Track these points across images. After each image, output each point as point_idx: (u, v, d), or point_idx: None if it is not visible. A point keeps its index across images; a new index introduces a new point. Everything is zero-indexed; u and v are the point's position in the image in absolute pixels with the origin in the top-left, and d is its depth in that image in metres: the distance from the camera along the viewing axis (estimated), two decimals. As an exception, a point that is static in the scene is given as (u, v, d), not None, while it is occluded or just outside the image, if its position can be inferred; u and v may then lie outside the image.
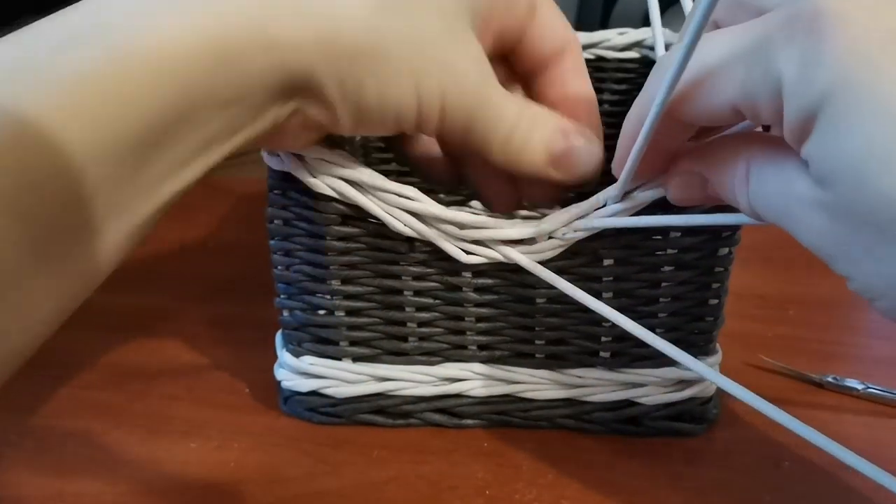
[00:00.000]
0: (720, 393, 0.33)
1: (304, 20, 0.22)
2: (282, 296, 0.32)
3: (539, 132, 0.27)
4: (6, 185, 0.18)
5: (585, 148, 0.27)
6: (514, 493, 0.30)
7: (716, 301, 0.30)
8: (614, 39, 0.42)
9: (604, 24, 0.50)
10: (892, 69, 0.18)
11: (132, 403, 0.35)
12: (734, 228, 0.29)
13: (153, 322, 0.40)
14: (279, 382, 0.33)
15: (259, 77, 0.22)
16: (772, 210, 0.21)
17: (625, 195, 0.27)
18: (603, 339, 0.30)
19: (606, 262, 0.29)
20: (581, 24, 0.50)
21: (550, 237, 0.28)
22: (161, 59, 0.20)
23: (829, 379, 0.35)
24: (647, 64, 0.42)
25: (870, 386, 0.34)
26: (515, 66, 0.30)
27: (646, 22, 0.40)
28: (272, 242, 0.31)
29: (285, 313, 0.32)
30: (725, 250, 0.29)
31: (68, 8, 0.21)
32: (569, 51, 0.29)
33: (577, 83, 0.29)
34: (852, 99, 0.18)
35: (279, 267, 0.31)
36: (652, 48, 0.41)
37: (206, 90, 0.21)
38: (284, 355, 0.32)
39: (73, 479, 0.30)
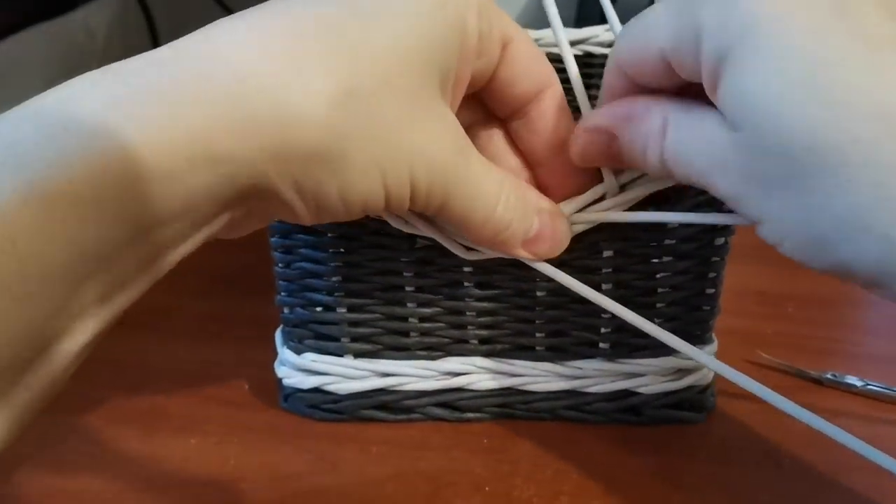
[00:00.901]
0: (718, 386, 0.33)
1: (251, 131, 0.20)
2: (282, 293, 0.32)
3: (518, 217, 0.26)
4: None
5: (559, 231, 0.27)
6: (513, 488, 0.30)
7: (712, 290, 0.30)
8: (602, 35, 0.43)
9: (604, 23, 0.50)
10: (798, 12, 0.19)
11: (131, 400, 0.35)
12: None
13: (152, 318, 0.40)
14: (280, 380, 0.33)
15: (206, 192, 0.20)
16: (687, 161, 0.22)
17: (622, 187, 0.28)
18: (602, 330, 0.31)
19: (606, 253, 0.29)
20: (581, 23, 0.50)
21: (550, 231, 0.28)
22: (94, 182, 0.17)
23: (829, 376, 0.35)
24: (588, 56, 0.43)
25: (869, 383, 0.34)
26: (490, 106, 0.28)
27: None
28: (273, 240, 0.31)
29: (286, 310, 0.32)
30: (722, 240, 0.30)
31: None
32: (547, 88, 0.27)
33: (558, 125, 0.27)
34: (759, 39, 0.19)
35: (280, 264, 0.31)
36: (599, 44, 0.41)
37: (146, 208, 0.19)
38: (285, 352, 0.33)
39: (73, 476, 0.30)
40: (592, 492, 0.29)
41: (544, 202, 0.27)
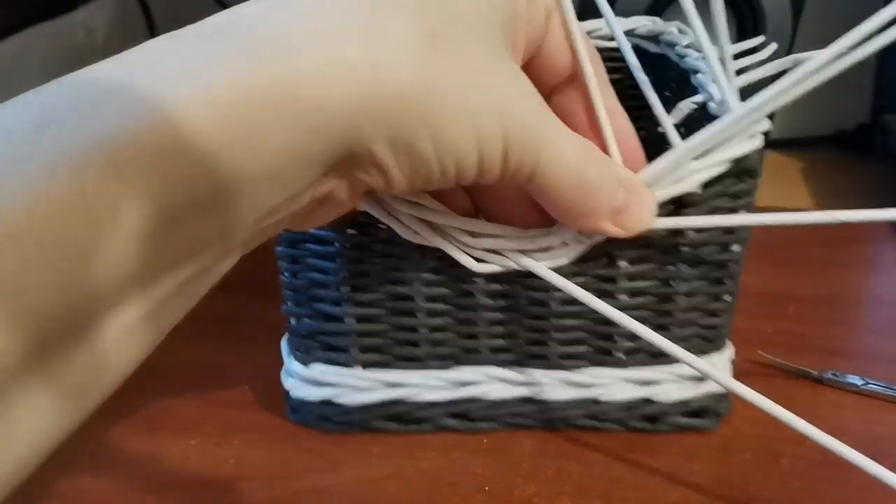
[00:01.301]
0: None
1: (339, 76, 0.18)
2: (289, 303, 0.31)
3: (606, 183, 0.24)
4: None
5: (646, 202, 0.26)
6: (514, 488, 0.29)
7: (728, 297, 0.30)
8: (605, 29, 0.41)
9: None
10: None
11: (132, 400, 0.34)
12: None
13: None
14: (287, 391, 0.33)
15: (292, 151, 0.18)
16: None
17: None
18: (617, 338, 0.30)
19: (621, 262, 0.28)
20: (584, 16, 0.49)
21: (565, 243, 0.28)
22: (158, 141, 0.16)
23: (829, 375, 0.35)
24: (638, 54, 0.42)
25: (870, 382, 0.34)
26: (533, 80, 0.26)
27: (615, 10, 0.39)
28: (279, 249, 0.30)
29: (293, 320, 0.31)
30: (736, 246, 0.29)
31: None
32: (592, 62, 0.27)
33: (608, 99, 0.27)
34: None
35: (286, 274, 0.30)
36: (606, 38, 0.40)
37: (223, 167, 0.17)
38: (292, 363, 0.32)
39: (73, 476, 0.30)
40: (593, 492, 0.29)
41: (626, 172, 0.26)
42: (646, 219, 0.26)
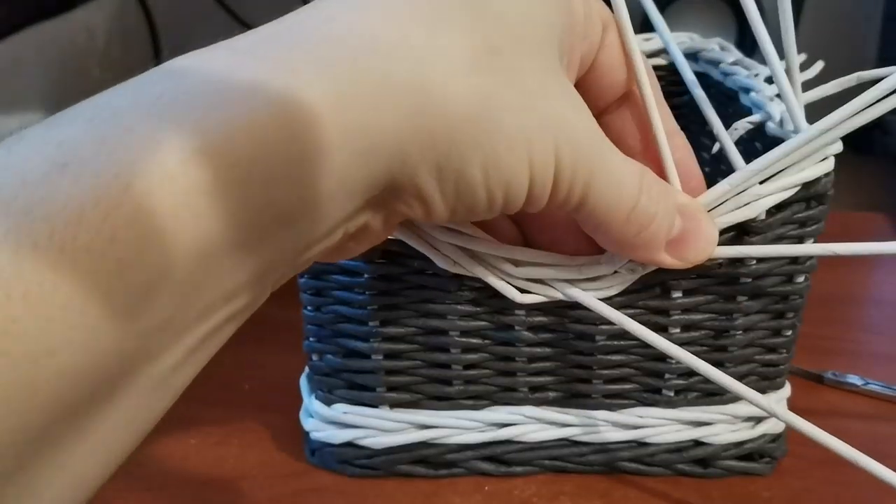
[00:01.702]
0: None
1: (388, 96, 0.17)
2: (311, 338, 0.29)
3: (662, 211, 0.22)
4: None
5: (705, 231, 0.24)
6: (513, 488, 0.29)
7: (790, 333, 0.28)
8: (642, 46, 0.40)
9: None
10: None
11: None
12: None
13: None
14: (307, 433, 0.30)
15: (344, 174, 0.17)
16: None
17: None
18: (667, 375, 0.28)
19: (675, 294, 0.26)
20: None
21: (615, 271, 0.25)
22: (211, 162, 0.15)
23: (829, 375, 0.35)
24: (675, 71, 0.40)
25: (870, 381, 0.34)
26: (586, 98, 0.23)
27: (645, 24, 0.37)
28: (301, 281, 0.27)
29: (315, 357, 0.29)
30: (801, 277, 0.27)
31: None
32: (648, 79, 0.25)
33: (665, 121, 0.25)
34: None
35: (309, 307, 0.28)
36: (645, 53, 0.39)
37: (266, 204, 0.16)
38: (314, 403, 0.29)
39: None
40: (593, 492, 0.29)
41: (684, 198, 0.24)
42: (706, 249, 0.24)
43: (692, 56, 0.37)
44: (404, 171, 0.18)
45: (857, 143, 0.58)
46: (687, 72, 0.31)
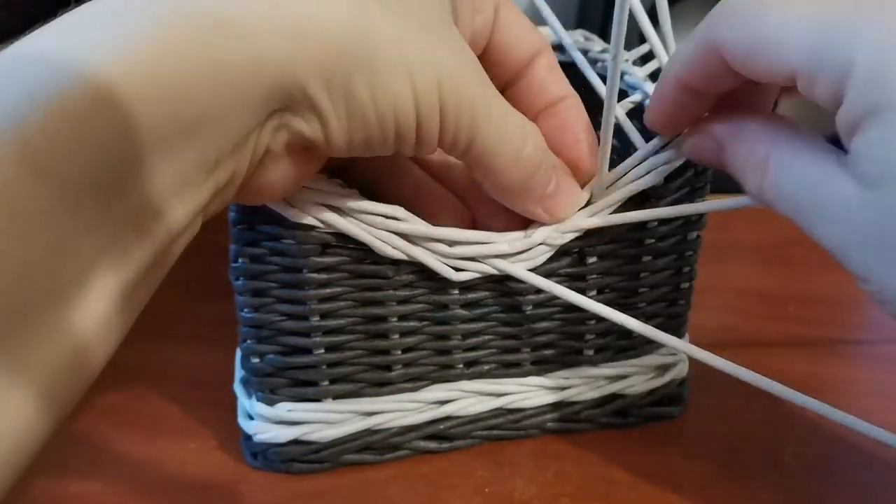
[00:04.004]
0: (715, 384, 0.33)
1: (279, 17, 0.19)
2: (249, 341, 0.29)
3: (544, 162, 0.25)
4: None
5: (574, 187, 0.27)
6: (514, 490, 0.29)
7: (687, 284, 0.31)
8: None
9: (604, 26, 0.49)
10: None
11: (132, 404, 0.34)
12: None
13: (153, 322, 0.36)
14: (249, 437, 0.30)
15: (231, 86, 0.19)
16: (792, 201, 0.21)
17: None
18: (587, 336, 0.30)
19: (590, 259, 0.29)
20: (582, 25, 0.49)
21: (541, 244, 0.28)
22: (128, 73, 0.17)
23: None
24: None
25: None
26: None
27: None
28: (238, 283, 0.28)
29: (255, 360, 0.29)
30: (694, 234, 0.30)
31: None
32: (543, 53, 0.27)
33: (560, 87, 0.27)
34: None
35: (246, 310, 0.28)
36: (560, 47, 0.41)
37: (166, 111, 0.18)
38: (255, 406, 0.29)
39: (73, 480, 0.30)
40: (593, 493, 0.29)
41: (555, 158, 0.26)
42: (573, 207, 0.27)
43: (558, 48, 0.41)
44: (296, 83, 0.20)
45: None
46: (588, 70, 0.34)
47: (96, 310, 0.17)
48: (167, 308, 0.37)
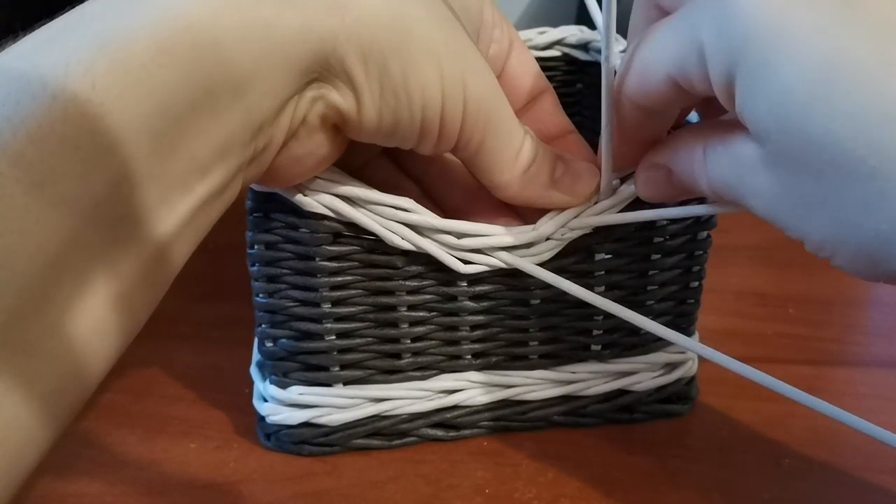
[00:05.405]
0: (717, 384, 0.34)
1: None
2: (264, 325, 0.30)
3: (541, 152, 0.26)
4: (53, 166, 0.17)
5: (586, 168, 0.27)
6: (514, 491, 0.29)
7: (696, 283, 0.31)
8: (536, 39, 0.43)
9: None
10: (799, 13, 0.18)
11: (132, 404, 0.34)
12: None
13: (154, 323, 0.37)
14: (263, 418, 0.31)
15: (278, 49, 0.20)
16: (727, 185, 0.22)
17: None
18: (595, 332, 0.31)
19: (599, 256, 0.29)
20: (581, 22, 0.50)
21: (548, 238, 0.28)
22: (175, 33, 0.18)
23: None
24: (569, 62, 0.43)
25: None
26: None
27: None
28: (253, 269, 0.29)
29: (269, 343, 0.30)
30: (704, 234, 0.30)
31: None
32: (549, 93, 0.29)
33: (564, 124, 0.29)
34: (763, 49, 0.18)
35: (261, 295, 0.29)
36: (538, 47, 0.42)
37: (219, 69, 0.19)
38: (268, 388, 0.31)
39: (73, 480, 0.30)
40: (593, 494, 0.29)
41: (555, 149, 0.27)
42: (591, 183, 0.27)
43: (583, 47, 0.41)
44: (335, 54, 0.21)
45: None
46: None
47: (92, 316, 0.18)
48: (167, 308, 0.38)
